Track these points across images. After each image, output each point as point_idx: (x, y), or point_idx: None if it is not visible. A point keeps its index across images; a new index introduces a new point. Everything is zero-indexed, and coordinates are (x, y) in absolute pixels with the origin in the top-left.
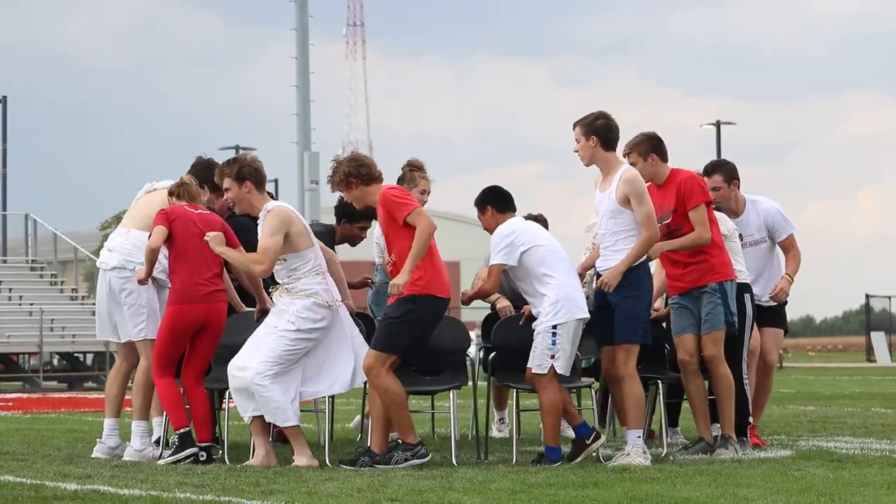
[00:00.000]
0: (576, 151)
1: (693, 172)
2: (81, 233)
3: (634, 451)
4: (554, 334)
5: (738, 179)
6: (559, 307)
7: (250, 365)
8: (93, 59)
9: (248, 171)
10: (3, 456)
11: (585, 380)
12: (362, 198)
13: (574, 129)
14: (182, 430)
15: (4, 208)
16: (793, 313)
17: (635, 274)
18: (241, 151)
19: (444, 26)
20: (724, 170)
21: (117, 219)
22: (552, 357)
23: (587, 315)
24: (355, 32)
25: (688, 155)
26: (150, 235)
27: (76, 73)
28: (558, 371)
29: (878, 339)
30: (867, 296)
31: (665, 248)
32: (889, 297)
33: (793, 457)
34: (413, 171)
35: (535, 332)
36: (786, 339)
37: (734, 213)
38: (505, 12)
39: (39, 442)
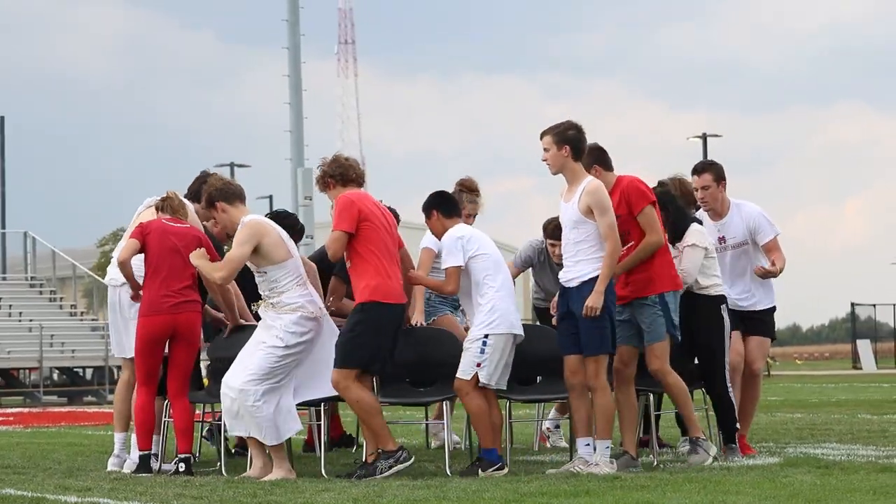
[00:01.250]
0: (544, 160)
1: (634, 176)
2: (79, 250)
3: (602, 462)
4: (484, 343)
5: (725, 180)
6: (494, 317)
7: (241, 386)
8: (88, 79)
9: (215, 194)
10: (5, 470)
11: None
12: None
13: (543, 137)
14: (143, 452)
15: (3, 226)
16: (780, 322)
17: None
18: (235, 168)
19: (433, 43)
20: (712, 169)
21: (115, 236)
22: (478, 365)
23: (521, 333)
24: (346, 50)
25: (675, 167)
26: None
27: (72, 92)
28: (482, 381)
29: (864, 346)
30: (853, 304)
31: (627, 266)
32: (874, 306)
33: (781, 464)
34: (462, 192)
35: (466, 340)
36: (773, 348)
37: (718, 215)
38: (492, 29)
39: (40, 455)
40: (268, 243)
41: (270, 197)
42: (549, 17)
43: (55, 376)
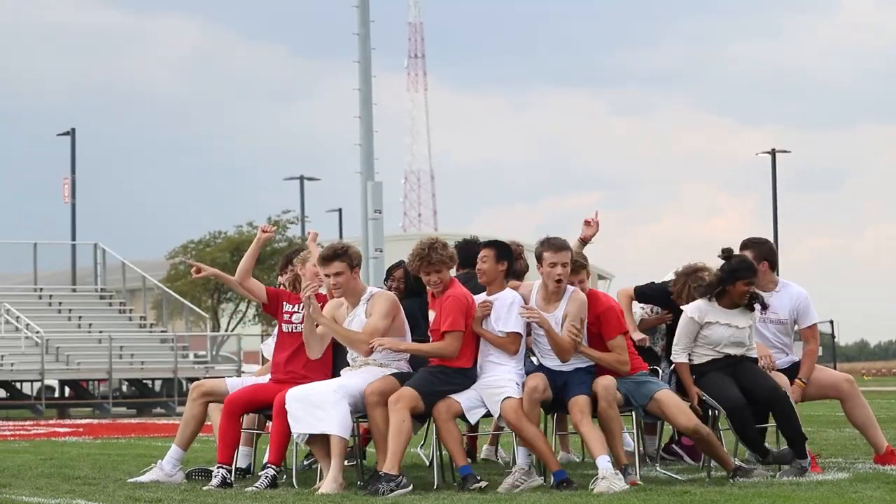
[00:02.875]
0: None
1: (612, 301)
2: (149, 262)
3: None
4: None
5: (771, 261)
6: None
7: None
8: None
9: (358, 260)
10: (75, 480)
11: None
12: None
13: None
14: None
15: (74, 238)
16: (848, 338)
17: None
18: (305, 181)
19: (503, 57)
20: (755, 248)
21: (184, 248)
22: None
23: None
24: (416, 64)
25: (743, 182)
26: None
27: (143, 105)
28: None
29: None
30: None
31: (589, 354)
32: None
33: (850, 479)
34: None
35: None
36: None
37: (763, 289)
38: (562, 43)
39: (110, 466)
40: (399, 319)
41: (340, 210)
42: (619, 31)
43: (124, 388)
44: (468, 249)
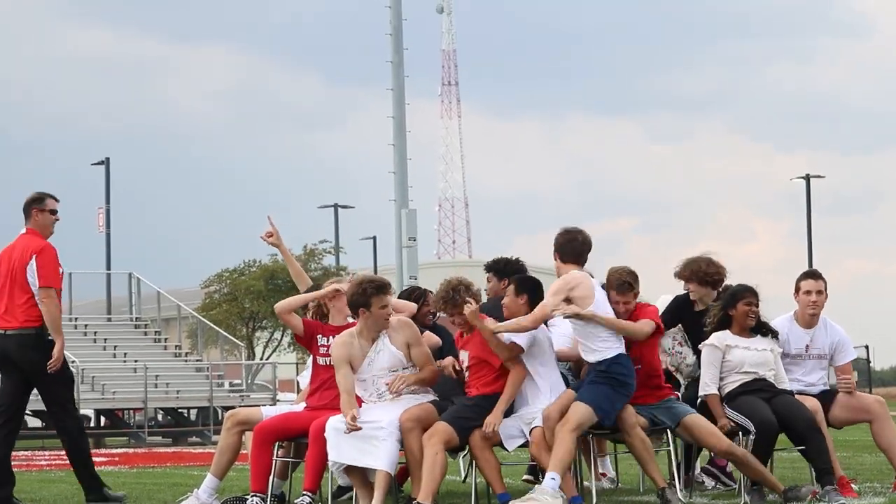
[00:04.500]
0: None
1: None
2: (184, 290)
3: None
4: None
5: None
6: None
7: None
8: (193, 121)
9: None
10: None
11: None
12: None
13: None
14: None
15: (109, 267)
16: (884, 362)
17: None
18: (339, 209)
19: (538, 84)
20: (823, 278)
21: (219, 277)
22: None
23: None
24: (450, 91)
25: (778, 207)
26: None
27: (176, 133)
28: None
29: None
30: None
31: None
32: None
33: (886, 503)
34: None
35: None
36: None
37: (809, 325)
38: (597, 69)
39: (146, 496)
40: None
41: (374, 238)
42: (655, 57)
43: (159, 417)
44: (508, 268)
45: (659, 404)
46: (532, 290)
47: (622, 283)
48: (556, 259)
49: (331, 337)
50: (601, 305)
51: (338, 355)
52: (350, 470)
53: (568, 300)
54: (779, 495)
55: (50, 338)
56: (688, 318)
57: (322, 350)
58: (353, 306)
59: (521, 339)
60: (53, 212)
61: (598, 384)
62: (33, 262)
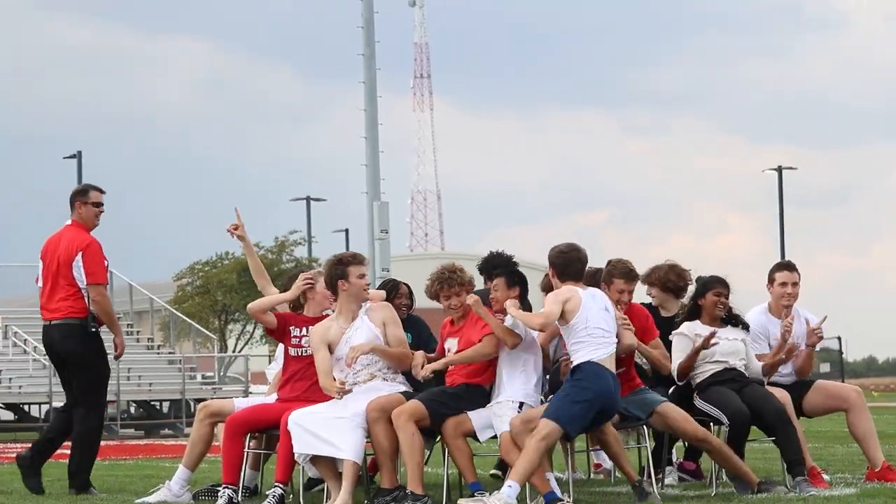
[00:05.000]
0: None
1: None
2: (156, 283)
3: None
4: None
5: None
6: None
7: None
8: (166, 113)
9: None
10: (84, 502)
11: None
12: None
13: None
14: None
15: None
16: (856, 354)
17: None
18: (311, 201)
19: (511, 77)
20: (797, 269)
21: (191, 270)
22: None
23: None
24: (422, 84)
25: (751, 201)
26: None
27: (149, 126)
28: None
29: None
30: None
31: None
32: None
33: (857, 494)
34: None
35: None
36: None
37: (783, 316)
38: (572, 63)
39: (118, 488)
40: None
41: (346, 231)
42: (630, 51)
43: (132, 409)
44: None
45: (629, 396)
46: (523, 284)
47: (629, 272)
48: (553, 277)
49: (304, 328)
50: (590, 311)
51: (316, 338)
52: (318, 462)
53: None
54: (752, 489)
55: (93, 330)
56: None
57: (294, 341)
58: (332, 280)
59: (518, 330)
60: (97, 204)
61: (562, 394)
62: (79, 258)
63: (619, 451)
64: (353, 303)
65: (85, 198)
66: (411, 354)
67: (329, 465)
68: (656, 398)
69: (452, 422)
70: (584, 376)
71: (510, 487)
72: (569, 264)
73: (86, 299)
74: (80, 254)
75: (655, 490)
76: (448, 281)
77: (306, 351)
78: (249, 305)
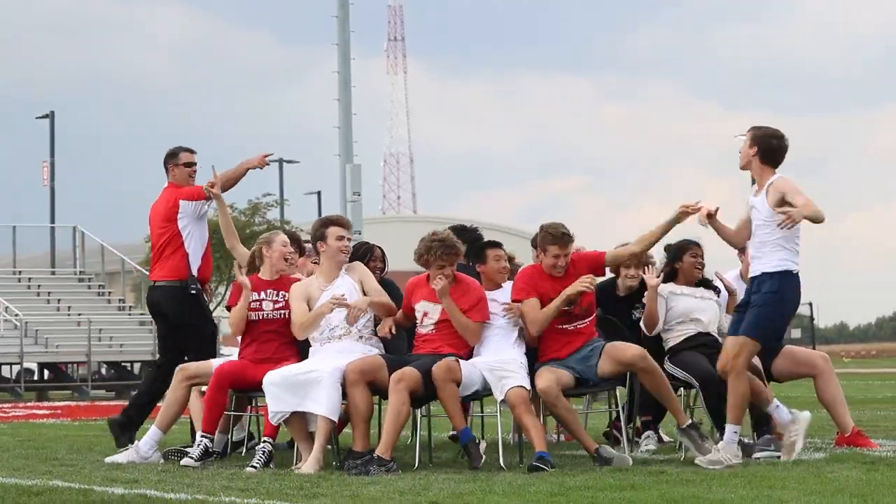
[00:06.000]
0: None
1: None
2: (128, 245)
3: (725, 448)
4: None
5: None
6: None
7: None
8: (141, 76)
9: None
10: (52, 462)
11: None
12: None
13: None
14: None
15: (53, 221)
16: (827, 320)
17: (775, 280)
18: (284, 163)
19: (487, 42)
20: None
21: None
22: None
23: None
24: (396, 47)
25: (725, 167)
26: None
27: (124, 89)
28: None
29: None
30: None
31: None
32: None
33: (826, 459)
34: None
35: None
36: (821, 346)
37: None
38: (548, 28)
39: (87, 448)
40: None
41: (319, 193)
42: (607, 16)
43: (103, 370)
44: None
45: (569, 358)
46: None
47: (563, 235)
48: (756, 156)
49: (262, 292)
50: None
51: (296, 293)
52: (290, 423)
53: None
54: (679, 424)
55: (193, 291)
56: (609, 303)
57: (254, 305)
58: (314, 241)
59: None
60: (189, 164)
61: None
62: (181, 203)
63: (573, 418)
64: (332, 264)
65: (176, 160)
66: (392, 303)
67: (300, 426)
68: (596, 346)
69: (445, 364)
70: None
71: (735, 433)
72: (777, 151)
73: (188, 262)
74: (178, 201)
75: (627, 449)
76: (447, 256)
77: (267, 315)
78: (231, 326)
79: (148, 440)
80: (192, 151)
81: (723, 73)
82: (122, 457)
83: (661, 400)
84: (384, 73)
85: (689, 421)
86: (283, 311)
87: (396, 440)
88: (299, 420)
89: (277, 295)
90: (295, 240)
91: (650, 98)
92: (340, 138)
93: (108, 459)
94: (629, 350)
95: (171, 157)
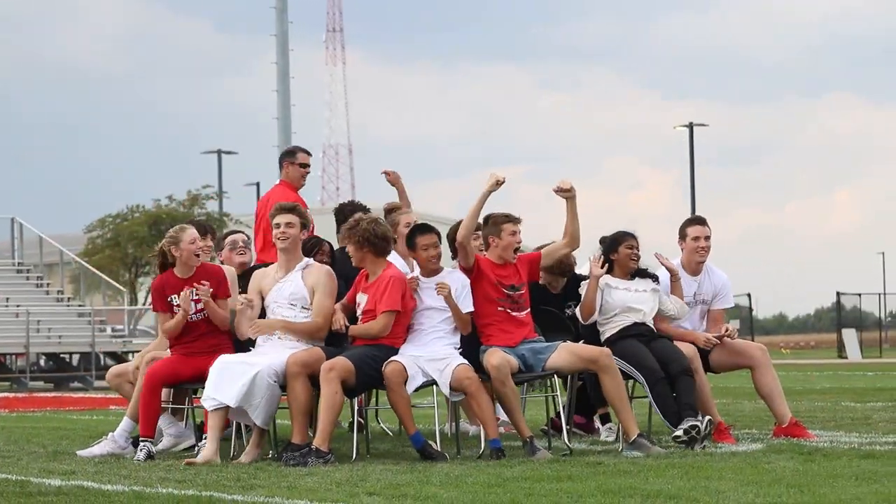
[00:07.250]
0: None
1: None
2: (67, 235)
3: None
4: None
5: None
6: None
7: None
8: (81, 66)
9: (308, 224)
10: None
11: None
12: (362, 262)
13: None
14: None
15: None
16: (766, 311)
17: None
18: (222, 155)
19: (426, 31)
20: (708, 224)
21: (102, 222)
22: None
23: None
24: (335, 38)
25: (665, 157)
26: None
27: (62, 77)
28: None
29: (850, 336)
30: (838, 294)
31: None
32: (859, 295)
33: (763, 450)
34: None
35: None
36: (759, 337)
37: (696, 272)
38: (487, 17)
39: (25, 439)
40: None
41: (258, 184)
42: (546, 4)
43: (42, 362)
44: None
45: (521, 346)
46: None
47: (510, 214)
48: None
49: (178, 295)
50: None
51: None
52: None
53: None
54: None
55: None
56: (545, 301)
57: (176, 309)
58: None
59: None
60: (304, 165)
61: None
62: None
63: (516, 403)
64: (283, 253)
65: (292, 158)
66: (323, 328)
67: (222, 416)
68: (551, 347)
69: (394, 368)
70: None
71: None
72: None
73: None
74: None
75: (567, 440)
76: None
77: (191, 318)
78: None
79: (122, 431)
80: (308, 153)
81: (663, 63)
82: (98, 449)
83: (613, 407)
84: (323, 63)
85: (637, 432)
86: (205, 312)
87: (332, 430)
88: (223, 414)
89: (196, 293)
90: (207, 231)
91: (589, 87)
92: (279, 129)
93: (82, 452)
94: (595, 347)
95: (289, 156)
